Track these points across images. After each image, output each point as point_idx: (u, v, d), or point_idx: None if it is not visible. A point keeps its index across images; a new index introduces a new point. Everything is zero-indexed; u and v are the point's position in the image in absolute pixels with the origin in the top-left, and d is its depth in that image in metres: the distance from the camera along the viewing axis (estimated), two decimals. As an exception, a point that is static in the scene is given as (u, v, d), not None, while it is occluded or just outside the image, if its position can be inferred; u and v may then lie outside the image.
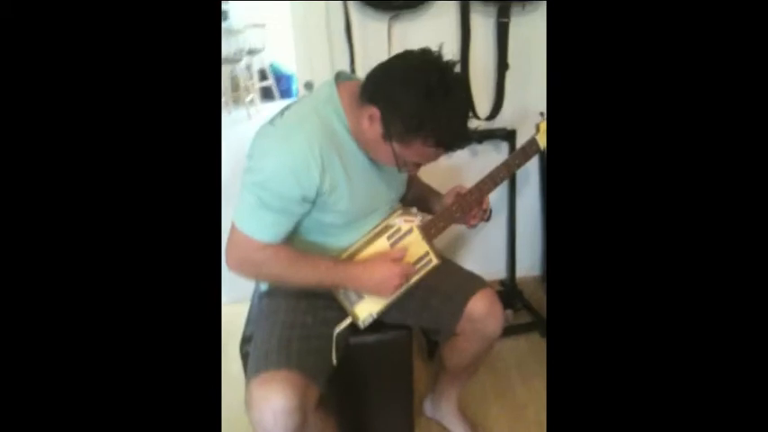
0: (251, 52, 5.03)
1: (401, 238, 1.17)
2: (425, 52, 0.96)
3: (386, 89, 0.95)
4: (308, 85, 1.76)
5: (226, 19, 4.93)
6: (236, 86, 4.99)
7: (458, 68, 0.98)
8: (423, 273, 1.19)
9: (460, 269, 1.30)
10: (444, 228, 1.21)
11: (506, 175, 1.20)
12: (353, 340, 1.22)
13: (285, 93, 5.30)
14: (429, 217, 1.22)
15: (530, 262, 2.21)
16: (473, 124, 1.05)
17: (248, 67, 5.01)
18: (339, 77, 1.07)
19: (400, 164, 1.03)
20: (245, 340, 1.24)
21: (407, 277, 1.15)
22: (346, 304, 1.17)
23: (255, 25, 5.10)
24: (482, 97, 1.86)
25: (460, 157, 1.43)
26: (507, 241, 2.13)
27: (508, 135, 1.90)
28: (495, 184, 1.20)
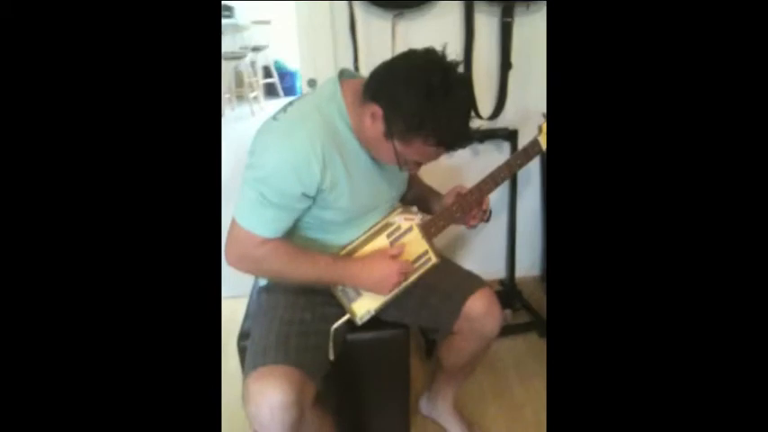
0: (255, 49, 5.03)
1: (401, 236, 1.17)
2: (429, 52, 0.96)
3: (388, 88, 0.96)
4: (312, 83, 1.76)
5: (231, 16, 4.95)
6: (239, 83, 5.00)
7: (461, 68, 0.98)
8: (421, 271, 1.20)
9: (459, 268, 1.31)
10: (444, 227, 1.21)
11: (507, 175, 1.20)
12: (351, 337, 1.23)
13: (288, 90, 5.31)
14: (429, 216, 1.22)
15: (529, 262, 2.22)
16: (475, 124, 1.05)
17: (252, 64, 5.02)
18: (342, 75, 1.07)
19: (401, 162, 1.03)
20: (243, 335, 1.24)
21: (406, 275, 1.15)
22: (344, 301, 1.17)
23: (260, 22, 5.11)
24: (485, 97, 1.86)
25: (462, 156, 1.43)
26: (507, 241, 2.13)
27: (510, 135, 1.90)
28: (496, 185, 1.20)
